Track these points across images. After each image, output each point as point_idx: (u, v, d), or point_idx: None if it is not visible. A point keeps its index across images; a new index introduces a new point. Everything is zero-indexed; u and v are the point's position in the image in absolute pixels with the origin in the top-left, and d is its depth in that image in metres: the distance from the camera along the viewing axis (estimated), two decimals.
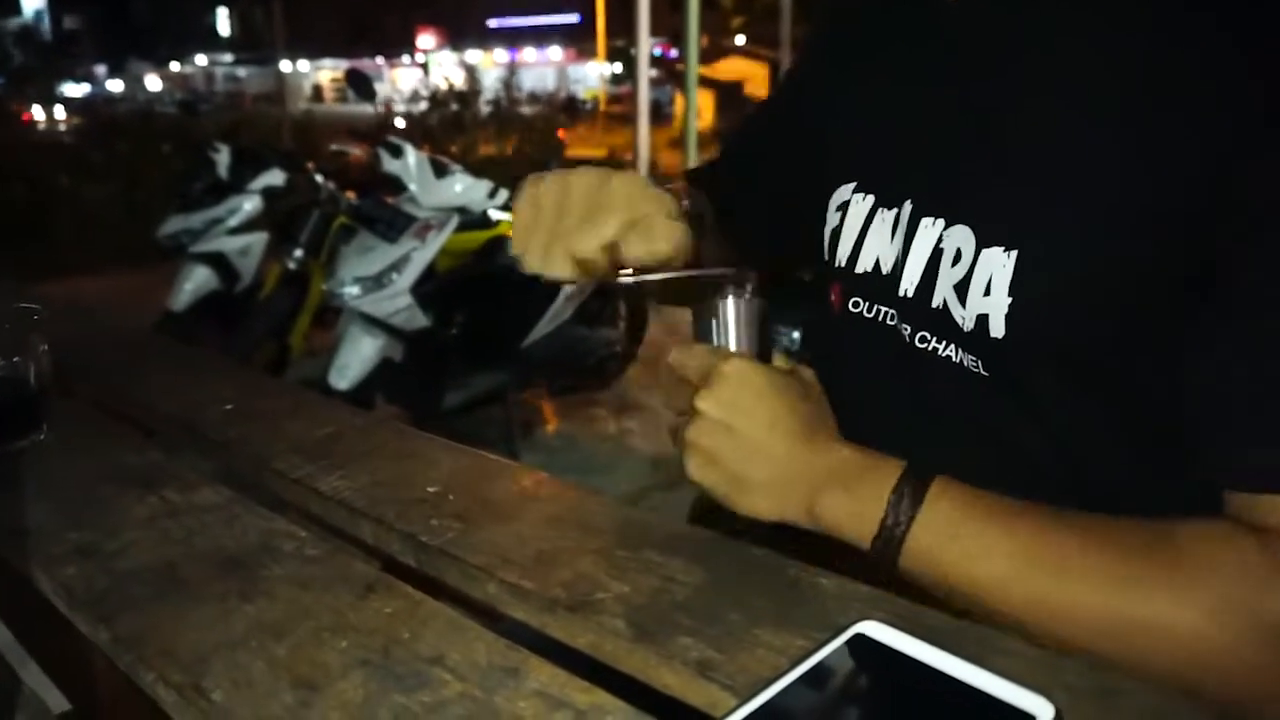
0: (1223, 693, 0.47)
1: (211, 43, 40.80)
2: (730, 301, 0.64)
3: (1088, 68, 0.55)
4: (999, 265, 0.56)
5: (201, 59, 40.73)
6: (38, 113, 14.86)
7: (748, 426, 0.57)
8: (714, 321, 0.64)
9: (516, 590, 0.55)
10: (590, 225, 0.59)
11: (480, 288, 3.03)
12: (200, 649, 0.49)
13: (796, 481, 0.57)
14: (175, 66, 39.23)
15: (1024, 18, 0.60)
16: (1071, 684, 0.44)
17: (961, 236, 0.59)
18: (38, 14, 34.18)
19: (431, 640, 0.50)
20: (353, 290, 2.79)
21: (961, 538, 0.53)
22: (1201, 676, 0.47)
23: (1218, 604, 0.47)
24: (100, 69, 33.85)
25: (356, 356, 2.88)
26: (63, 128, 12.59)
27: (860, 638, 0.43)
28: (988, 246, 0.57)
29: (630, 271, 0.61)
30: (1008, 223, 0.57)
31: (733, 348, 0.64)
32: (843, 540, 0.56)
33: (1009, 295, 0.56)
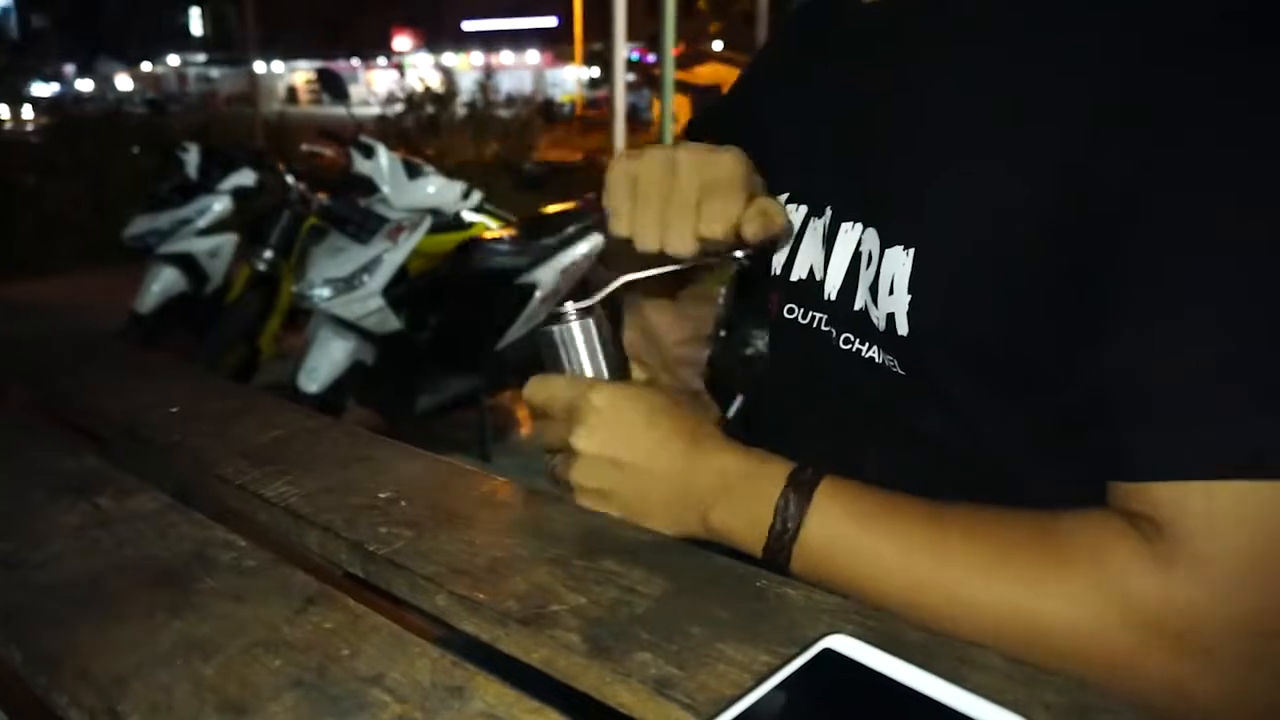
0: (1108, 686, 0.46)
1: (184, 43, 40.31)
2: (576, 326, 0.62)
3: (980, 72, 0.56)
4: (900, 264, 0.57)
5: (174, 59, 40.25)
6: (4, 112, 14.60)
7: (632, 456, 0.57)
8: (563, 349, 0.63)
9: (467, 602, 0.51)
10: (718, 202, 0.57)
11: (453, 290, 2.99)
12: (120, 669, 0.45)
13: (688, 496, 0.57)
14: (147, 66, 38.74)
15: (927, 26, 0.61)
16: (1050, 702, 0.41)
17: (871, 238, 0.61)
18: (4, 11, 33.63)
19: (372, 657, 0.46)
20: (323, 292, 2.74)
21: (849, 537, 0.53)
22: (1087, 669, 0.46)
23: (1098, 596, 0.46)
24: (69, 68, 33.33)
25: (326, 359, 2.83)
26: (30, 127, 12.35)
27: (828, 653, 0.40)
28: (890, 246, 0.58)
29: (745, 251, 0.60)
30: (905, 222, 0.58)
31: (588, 373, 0.63)
32: (738, 548, 0.56)
33: (908, 292, 0.57)
